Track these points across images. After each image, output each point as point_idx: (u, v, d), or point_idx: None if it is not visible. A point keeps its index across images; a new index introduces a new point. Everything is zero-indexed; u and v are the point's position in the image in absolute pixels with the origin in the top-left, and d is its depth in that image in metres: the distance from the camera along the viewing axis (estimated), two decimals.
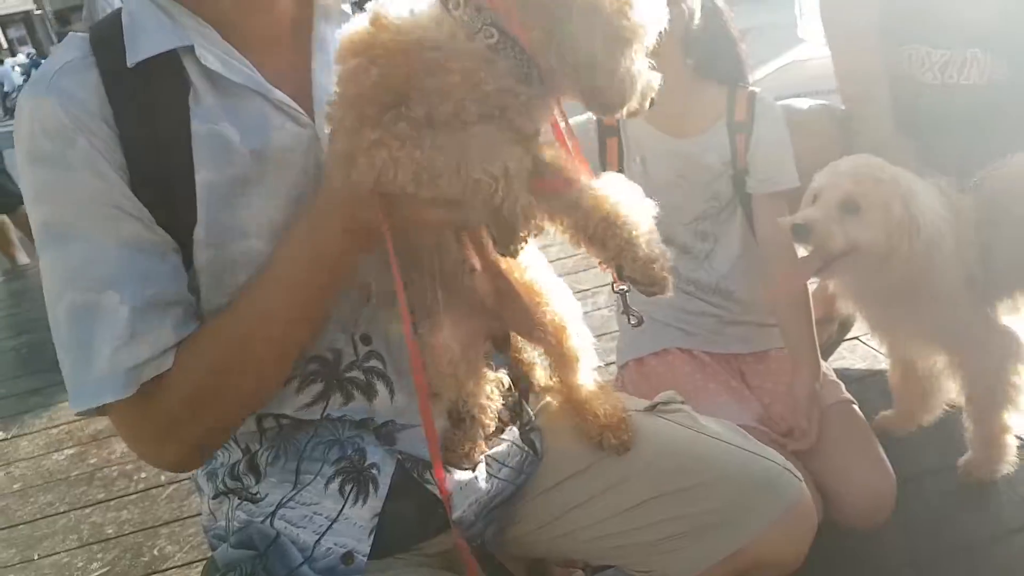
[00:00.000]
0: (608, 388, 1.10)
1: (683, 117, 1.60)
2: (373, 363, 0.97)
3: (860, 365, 2.11)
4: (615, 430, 1.04)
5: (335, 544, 0.94)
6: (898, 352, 1.66)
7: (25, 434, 2.71)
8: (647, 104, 0.86)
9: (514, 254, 0.81)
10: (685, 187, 1.61)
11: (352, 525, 0.95)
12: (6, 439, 2.71)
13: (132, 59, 0.85)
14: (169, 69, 0.87)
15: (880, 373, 1.96)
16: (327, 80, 0.90)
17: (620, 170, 1.61)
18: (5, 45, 28.95)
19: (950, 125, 1.69)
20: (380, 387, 0.97)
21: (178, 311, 0.86)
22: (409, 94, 0.77)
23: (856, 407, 1.57)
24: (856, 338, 2.20)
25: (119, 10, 0.91)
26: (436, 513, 0.97)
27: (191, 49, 0.87)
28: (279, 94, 0.90)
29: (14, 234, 4.90)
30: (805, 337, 1.59)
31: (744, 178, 1.61)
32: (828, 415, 1.54)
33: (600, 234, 0.84)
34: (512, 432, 1.09)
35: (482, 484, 1.02)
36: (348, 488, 0.95)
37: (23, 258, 4.99)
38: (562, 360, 1.06)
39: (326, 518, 0.94)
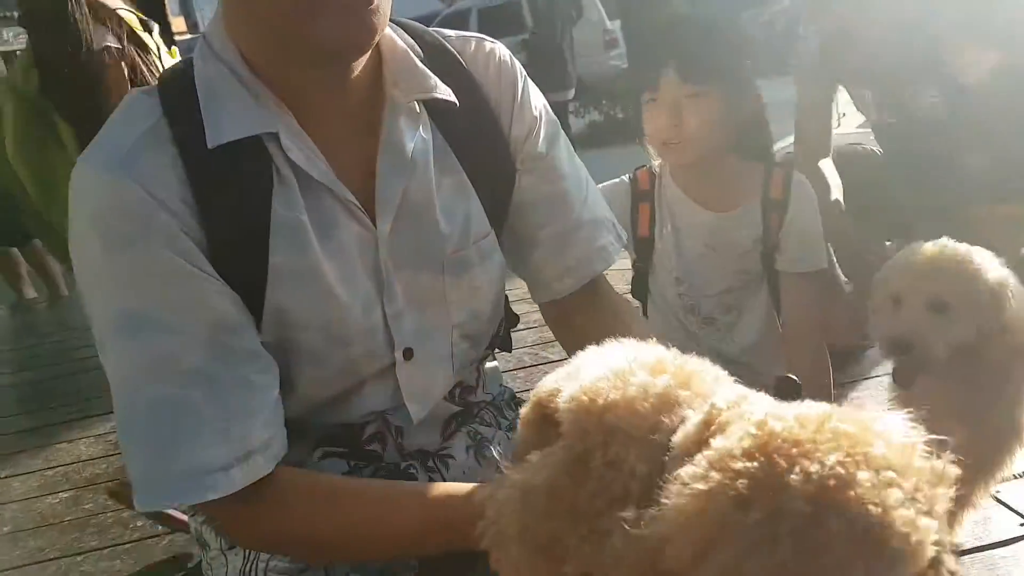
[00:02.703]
0: None
1: (719, 191, 1.63)
2: None
3: None
4: None
5: None
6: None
7: (19, 475, 2.64)
8: None
9: None
10: (714, 259, 1.63)
11: None
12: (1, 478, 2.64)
13: (214, 141, 0.82)
14: (252, 152, 0.84)
15: None
16: (392, 181, 0.91)
17: (651, 235, 1.61)
18: None
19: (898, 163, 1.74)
20: None
21: (266, 410, 0.84)
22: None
23: None
24: None
25: (189, 68, 0.88)
26: None
27: (275, 136, 0.85)
28: (349, 195, 0.89)
29: (23, 268, 4.89)
30: None
31: (774, 255, 1.62)
32: None
33: None
34: None
35: (484, 469, 1.01)
36: None
37: (30, 292, 4.97)
38: None
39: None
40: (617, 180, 1.70)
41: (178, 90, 0.86)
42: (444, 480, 0.98)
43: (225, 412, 0.80)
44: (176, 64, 0.93)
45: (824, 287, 1.73)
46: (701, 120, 1.54)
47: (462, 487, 0.84)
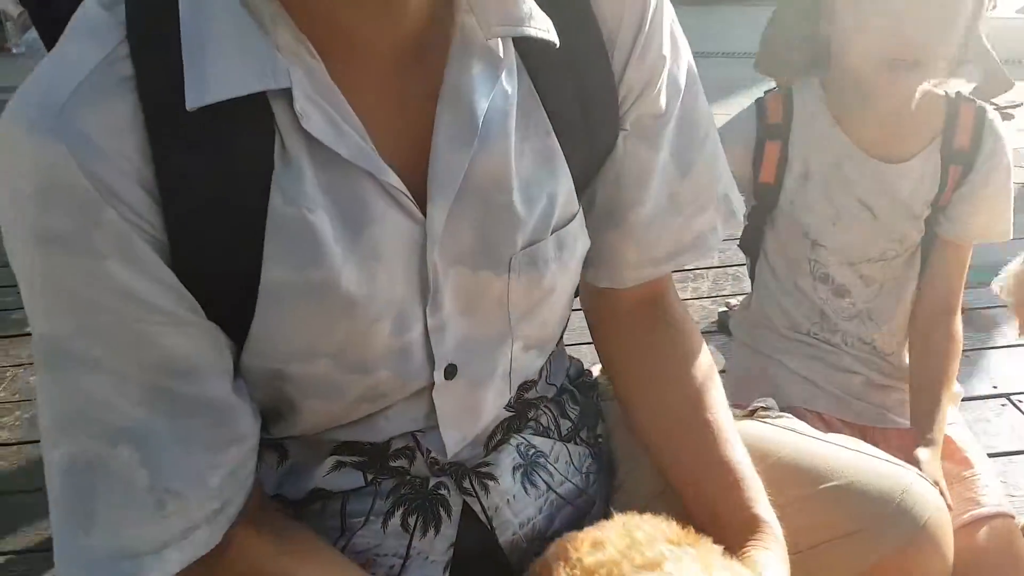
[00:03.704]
0: None
1: (893, 133, 1.26)
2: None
3: (1006, 436, 1.75)
4: None
5: None
6: None
7: None
8: None
9: None
10: (866, 221, 1.28)
11: (424, 561, 0.77)
12: None
13: (196, 99, 0.56)
14: (249, 113, 0.58)
15: None
16: (452, 155, 0.65)
17: (777, 182, 1.28)
18: None
19: None
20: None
21: (219, 473, 0.64)
22: None
23: (1015, 524, 1.24)
24: (1007, 396, 1.84)
25: None
26: (507, 571, 0.80)
27: (286, 93, 0.58)
28: (393, 178, 0.63)
29: None
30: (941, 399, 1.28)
31: (939, 217, 1.28)
32: (982, 532, 1.21)
33: None
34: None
35: (532, 499, 0.82)
36: (413, 520, 0.76)
37: None
38: None
39: (396, 556, 0.76)
40: (743, 111, 1.33)
41: (155, 6, 0.59)
42: (483, 507, 0.78)
43: (161, 479, 0.60)
44: None
45: None
46: (953, 30, 1.14)
47: None
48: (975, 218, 1.29)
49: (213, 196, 0.58)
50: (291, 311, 0.63)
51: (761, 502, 0.76)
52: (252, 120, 0.59)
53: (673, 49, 0.77)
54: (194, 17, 0.57)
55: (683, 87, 0.78)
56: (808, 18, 1.24)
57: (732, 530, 0.74)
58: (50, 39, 3.17)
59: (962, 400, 1.77)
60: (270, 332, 0.63)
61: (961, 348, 1.36)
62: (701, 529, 0.72)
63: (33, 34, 3.54)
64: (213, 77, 0.56)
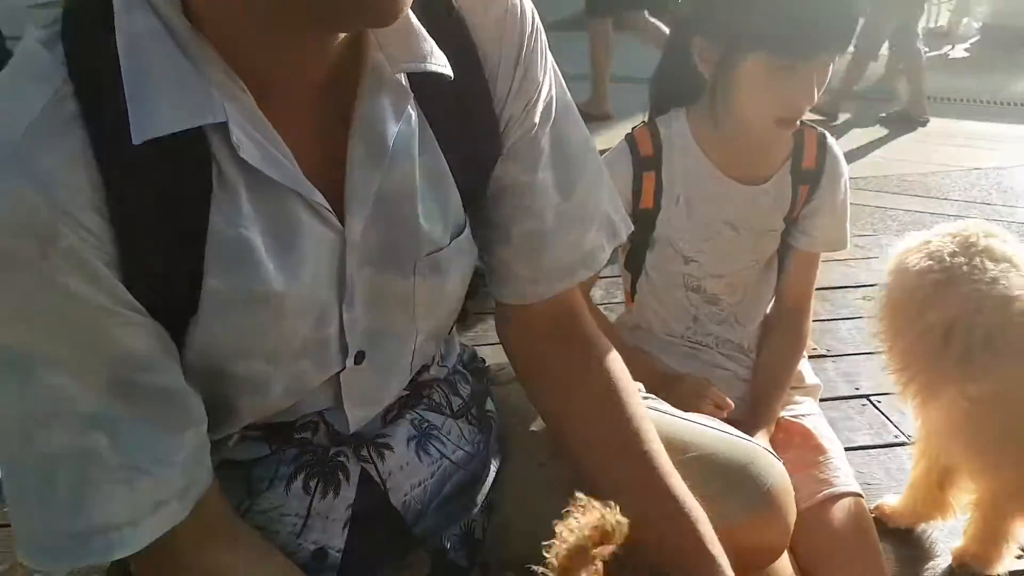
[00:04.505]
0: None
1: (751, 159, 1.41)
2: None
3: (866, 431, 1.94)
4: None
5: (307, 541, 0.84)
6: (933, 451, 1.48)
7: None
8: None
9: None
10: (732, 238, 1.43)
11: (325, 520, 0.84)
12: None
13: (140, 134, 0.61)
14: (188, 147, 0.64)
15: (889, 448, 1.81)
16: (365, 174, 0.73)
17: (656, 208, 1.42)
18: None
19: None
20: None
21: (183, 453, 0.70)
22: None
23: (864, 502, 1.41)
24: (866, 397, 2.03)
25: (108, 11, 0.63)
26: (400, 527, 0.89)
27: (222, 126, 0.65)
28: (319, 196, 0.71)
29: None
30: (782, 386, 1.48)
31: (792, 230, 1.45)
32: (834, 509, 1.37)
33: None
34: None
35: (426, 466, 0.91)
36: (314, 483, 0.84)
37: None
38: None
39: (297, 515, 0.83)
40: (617, 146, 1.45)
41: (92, 47, 0.63)
42: (378, 471, 0.87)
43: (130, 460, 0.67)
44: None
45: None
46: (821, 87, 1.29)
47: None
48: (821, 230, 1.46)
49: (159, 218, 0.64)
50: (229, 316, 0.70)
51: (708, 535, 0.84)
52: (192, 150, 0.65)
53: (546, 77, 0.84)
54: (133, 57, 0.62)
55: (555, 113, 0.86)
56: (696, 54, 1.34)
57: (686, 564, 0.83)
58: None
59: (828, 400, 1.97)
60: (210, 335, 0.70)
61: (805, 345, 1.53)
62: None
63: None
64: (155, 113, 0.61)
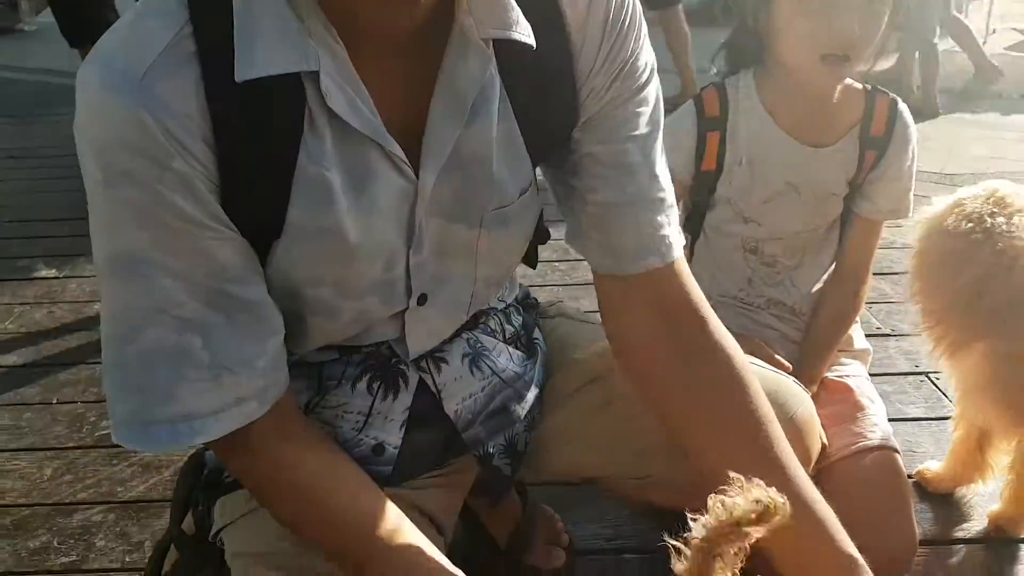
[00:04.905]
0: None
1: (818, 121, 1.43)
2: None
3: (920, 405, 1.94)
4: None
5: (368, 437, 0.93)
6: (970, 411, 1.49)
7: (75, 277, 2.75)
8: None
9: None
10: (794, 200, 1.46)
11: (384, 419, 0.93)
12: (56, 278, 2.75)
13: (243, 74, 0.69)
14: (285, 91, 0.72)
15: (941, 421, 1.82)
16: (443, 131, 0.79)
17: (717, 168, 1.45)
18: None
19: None
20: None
21: (263, 359, 0.79)
22: None
23: (899, 456, 1.43)
24: (925, 374, 2.03)
25: None
26: (451, 433, 0.99)
27: (315, 74, 0.72)
28: (396, 148, 0.78)
29: None
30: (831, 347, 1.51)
31: (855, 195, 1.47)
32: (867, 460, 1.39)
33: None
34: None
35: (477, 380, 1.00)
36: (376, 386, 0.94)
37: None
38: None
39: (360, 413, 0.93)
40: (683, 107, 1.48)
41: None
42: (434, 381, 0.97)
43: (220, 359, 0.76)
44: None
45: None
46: (878, 24, 1.28)
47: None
48: (884, 197, 1.47)
49: (256, 151, 0.73)
50: (306, 246, 0.78)
51: (842, 535, 0.85)
52: (288, 94, 0.72)
53: (636, 54, 0.87)
54: (245, 6, 0.70)
55: (649, 98, 0.89)
56: (748, 13, 1.38)
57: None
58: (69, 25, 3.27)
59: (885, 374, 1.98)
60: (289, 260, 0.79)
61: (859, 311, 1.55)
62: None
63: (48, 17, 3.69)
64: (257, 57, 0.69)
